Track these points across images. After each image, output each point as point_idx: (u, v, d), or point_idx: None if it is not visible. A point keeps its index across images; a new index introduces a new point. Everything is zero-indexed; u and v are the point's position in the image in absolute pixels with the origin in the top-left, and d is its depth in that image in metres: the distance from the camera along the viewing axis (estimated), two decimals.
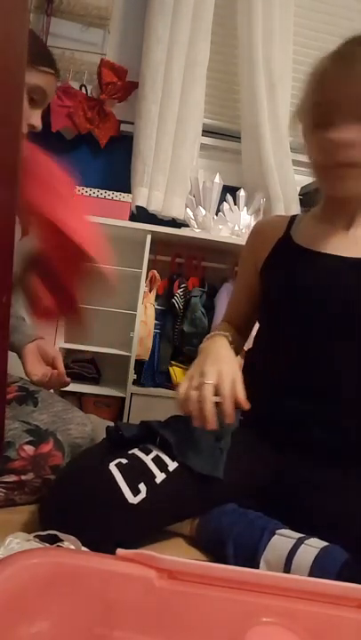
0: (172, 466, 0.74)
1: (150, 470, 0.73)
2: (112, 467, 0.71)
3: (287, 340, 0.83)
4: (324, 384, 0.79)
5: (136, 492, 0.69)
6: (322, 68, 0.72)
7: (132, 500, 0.68)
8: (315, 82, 0.73)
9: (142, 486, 0.70)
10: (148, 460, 0.74)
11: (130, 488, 0.69)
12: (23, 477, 0.80)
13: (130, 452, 0.75)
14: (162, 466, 0.74)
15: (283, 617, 0.41)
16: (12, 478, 0.79)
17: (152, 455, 0.75)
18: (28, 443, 0.81)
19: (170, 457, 0.75)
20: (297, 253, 0.82)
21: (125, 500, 0.68)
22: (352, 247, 0.78)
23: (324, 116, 0.71)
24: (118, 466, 0.71)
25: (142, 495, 0.69)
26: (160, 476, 0.72)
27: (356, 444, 0.79)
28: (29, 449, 0.80)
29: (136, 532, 0.71)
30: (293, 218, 0.90)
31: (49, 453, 0.82)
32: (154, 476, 0.72)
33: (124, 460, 0.73)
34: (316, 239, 0.81)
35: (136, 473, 0.71)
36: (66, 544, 0.63)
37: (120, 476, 0.70)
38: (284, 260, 0.84)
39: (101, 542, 0.60)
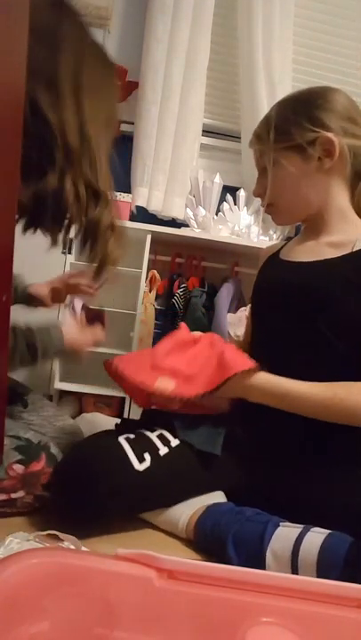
0: (175, 442, 0.82)
1: (155, 444, 0.81)
2: (121, 439, 0.80)
3: (257, 331, 0.98)
4: (279, 365, 0.84)
5: (142, 459, 0.77)
6: None
7: (138, 466, 0.76)
8: None
9: (147, 455, 0.78)
10: (153, 436, 0.83)
11: (136, 456, 0.77)
12: (13, 495, 0.78)
13: (137, 430, 0.84)
14: (165, 441, 0.82)
15: (283, 617, 0.41)
16: (2, 497, 0.77)
17: (157, 433, 0.84)
18: (18, 462, 0.78)
19: (172, 435, 0.83)
20: (275, 263, 0.97)
21: (132, 465, 0.76)
22: (313, 253, 0.88)
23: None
24: (127, 439, 0.80)
25: (147, 463, 0.77)
26: (163, 449, 0.80)
27: (336, 431, 0.79)
28: (19, 468, 0.78)
29: (142, 497, 0.78)
30: (288, 240, 1.03)
31: (41, 472, 0.80)
32: (158, 449, 0.80)
33: (131, 435, 0.82)
34: (293, 251, 0.95)
35: (142, 444, 0.80)
36: (66, 544, 0.63)
37: (127, 445, 0.78)
38: (265, 270, 1.00)
39: (111, 506, 0.75)
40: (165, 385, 0.83)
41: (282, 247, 1.01)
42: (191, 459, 0.82)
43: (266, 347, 0.91)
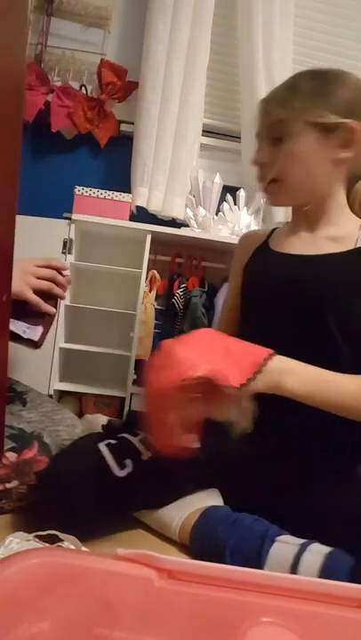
0: None
1: (137, 449, 0.79)
2: (101, 446, 0.79)
3: (251, 329, 0.92)
4: None
5: (122, 466, 0.76)
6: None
7: (119, 473, 0.75)
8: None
9: (128, 462, 0.77)
10: (135, 440, 0.81)
11: (117, 463, 0.76)
12: (8, 485, 0.79)
13: (120, 435, 0.83)
14: (149, 445, 0.80)
15: (283, 617, 0.41)
16: None
17: (140, 437, 0.82)
18: (10, 449, 0.79)
19: None
20: (268, 255, 0.93)
21: (112, 473, 0.75)
22: (311, 246, 0.86)
23: (258, 144, 0.87)
24: (108, 445, 0.79)
25: (129, 469, 0.76)
26: (146, 454, 0.79)
27: (325, 428, 0.78)
28: (12, 456, 0.79)
29: (125, 503, 0.77)
30: (274, 229, 1.00)
31: (33, 459, 0.80)
32: (140, 454, 0.79)
33: (113, 441, 0.80)
34: (285, 243, 0.91)
35: (123, 450, 0.78)
36: (66, 544, 0.63)
37: (108, 452, 0.77)
38: (257, 261, 0.95)
39: (94, 512, 0.73)
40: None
41: (268, 237, 0.97)
42: (175, 462, 0.78)
43: (263, 344, 0.88)
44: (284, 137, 0.81)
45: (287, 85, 0.85)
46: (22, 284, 0.89)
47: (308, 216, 0.88)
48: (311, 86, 0.81)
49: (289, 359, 0.73)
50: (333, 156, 0.81)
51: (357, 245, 0.82)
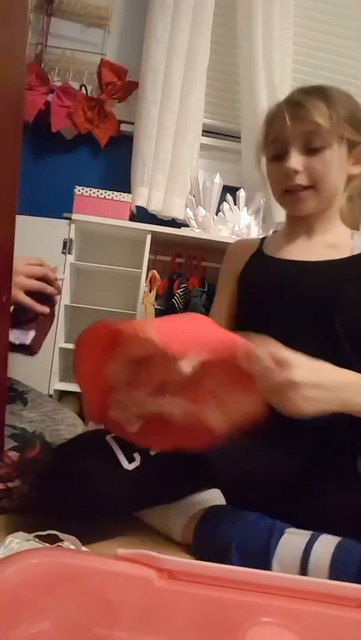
0: None
1: None
2: (109, 438, 0.78)
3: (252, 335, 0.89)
4: None
5: (131, 459, 0.76)
6: (276, 111, 0.88)
7: (127, 466, 0.75)
8: (269, 123, 0.89)
9: (137, 455, 0.76)
10: None
11: (125, 456, 0.76)
12: (10, 485, 0.78)
13: None
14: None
15: (283, 617, 0.41)
16: (0, 487, 0.78)
17: None
18: (13, 449, 0.79)
19: None
20: (265, 261, 0.95)
21: (120, 465, 0.74)
22: (309, 253, 0.89)
23: (278, 150, 0.87)
24: (115, 438, 0.78)
25: (137, 463, 0.75)
26: (155, 450, 0.78)
27: (335, 427, 0.76)
28: (14, 455, 0.79)
29: (132, 497, 0.77)
30: (265, 237, 1.03)
31: (35, 459, 0.80)
32: (149, 449, 0.78)
33: None
34: (282, 249, 0.94)
35: (132, 444, 0.77)
36: (66, 544, 0.63)
37: (116, 445, 0.77)
38: (255, 268, 0.96)
39: (100, 505, 0.72)
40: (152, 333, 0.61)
41: (261, 244, 1.00)
42: (184, 458, 0.79)
43: None
44: (322, 146, 0.84)
45: (322, 96, 0.85)
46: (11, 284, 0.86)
47: (309, 223, 0.91)
48: (341, 102, 0.86)
49: (338, 368, 0.69)
50: (348, 170, 0.88)
51: (354, 253, 0.87)
